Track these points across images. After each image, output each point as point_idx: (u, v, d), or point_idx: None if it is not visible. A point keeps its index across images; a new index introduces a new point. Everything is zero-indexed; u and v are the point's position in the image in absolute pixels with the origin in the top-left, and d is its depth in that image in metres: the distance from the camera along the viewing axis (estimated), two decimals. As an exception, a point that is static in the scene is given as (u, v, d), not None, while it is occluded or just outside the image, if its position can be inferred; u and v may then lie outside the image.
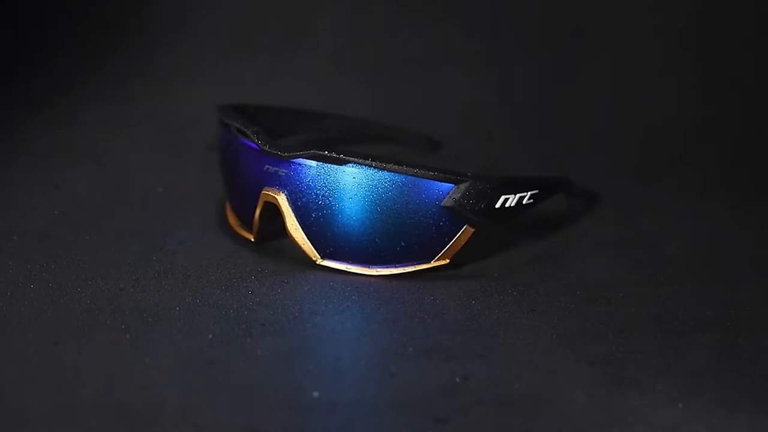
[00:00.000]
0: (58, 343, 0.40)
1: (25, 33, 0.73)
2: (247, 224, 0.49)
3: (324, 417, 0.36)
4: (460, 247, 0.46)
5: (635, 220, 0.58)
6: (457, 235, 0.46)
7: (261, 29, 0.75)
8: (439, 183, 0.45)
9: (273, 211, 0.47)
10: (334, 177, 0.45)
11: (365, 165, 0.45)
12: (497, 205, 0.46)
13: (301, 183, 0.46)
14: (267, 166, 0.47)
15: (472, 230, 0.46)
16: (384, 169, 0.45)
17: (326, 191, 0.46)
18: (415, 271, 0.47)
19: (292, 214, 0.46)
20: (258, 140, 0.47)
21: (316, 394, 0.38)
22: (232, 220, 0.52)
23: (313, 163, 0.45)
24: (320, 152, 0.45)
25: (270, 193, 0.47)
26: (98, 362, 0.39)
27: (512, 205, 0.47)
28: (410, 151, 0.65)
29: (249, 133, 0.47)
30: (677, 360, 0.41)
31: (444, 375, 0.39)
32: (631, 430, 0.36)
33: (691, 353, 0.42)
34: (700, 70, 0.73)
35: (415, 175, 0.45)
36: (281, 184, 0.46)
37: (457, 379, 0.39)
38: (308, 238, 0.47)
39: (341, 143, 0.62)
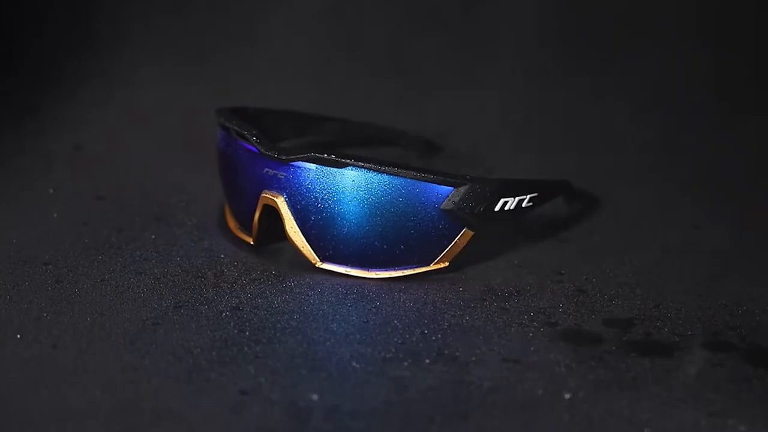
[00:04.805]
0: (57, 346, 0.40)
1: (20, 34, 0.73)
2: (247, 227, 0.49)
3: (323, 419, 0.36)
4: (459, 251, 0.46)
5: (635, 222, 0.58)
6: (456, 238, 0.46)
7: (260, 30, 0.75)
8: (439, 186, 0.45)
9: (272, 214, 0.47)
10: (334, 180, 0.45)
11: (364, 168, 0.45)
12: (496, 209, 0.46)
13: (300, 186, 0.46)
14: (266, 169, 0.47)
15: (471, 233, 0.46)
16: (383, 172, 0.45)
17: (325, 194, 0.46)
18: (414, 274, 0.47)
19: (292, 217, 0.46)
20: (257, 143, 0.47)
21: (315, 396, 0.38)
22: (232, 223, 0.52)
23: (313, 166, 0.45)
24: (319, 155, 0.45)
25: (269, 196, 0.47)
26: (97, 365, 0.39)
27: (511, 208, 0.47)
28: (410, 154, 0.65)
29: (248, 136, 0.47)
30: (679, 363, 0.41)
31: (443, 378, 0.39)
32: (630, 433, 0.37)
33: (691, 357, 0.42)
34: (701, 71, 0.73)
35: (414, 178, 0.45)
36: (280, 187, 0.46)
37: (457, 382, 0.39)
38: (307, 241, 0.47)
39: (340, 146, 0.62)
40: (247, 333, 0.42)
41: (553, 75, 0.74)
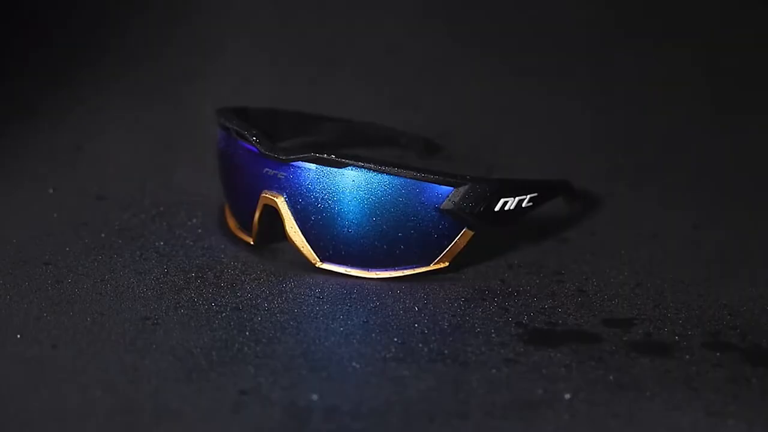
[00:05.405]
0: (57, 346, 0.40)
1: (21, 33, 0.73)
2: (247, 227, 0.49)
3: (323, 419, 0.36)
4: (459, 251, 0.46)
5: (635, 222, 0.58)
6: (457, 238, 0.46)
7: (260, 30, 0.75)
8: (438, 186, 0.45)
9: (272, 214, 0.47)
10: (333, 180, 0.45)
11: (364, 168, 0.45)
12: (496, 209, 0.46)
13: (300, 186, 0.46)
14: (266, 169, 0.47)
15: (471, 233, 0.46)
16: (383, 172, 0.45)
17: (325, 194, 0.46)
18: (414, 274, 0.47)
19: (292, 217, 0.46)
20: (257, 143, 0.47)
21: (315, 396, 0.38)
22: (232, 223, 0.52)
23: (313, 166, 0.46)
24: (319, 155, 0.45)
25: (269, 196, 0.47)
26: (97, 365, 0.39)
27: (511, 208, 0.47)
28: (410, 154, 0.65)
29: (248, 136, 0.47)
30: (679, 363, 0.41)
31: (443, 378, 0.39)
32: (630, 433, 0.37)
33: (692, 357, 0.42)
34: (699, 69, 0.73)
35: (414, 178, 0.45)
36: (280, 187, 0.46)
37: (457, 382, 0.39)
38: (307, 241, 0.47)
39: (340, 146, 0.62)
40: (247, 333, 0.42)
41: (553, 75, 0.74)
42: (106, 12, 0.75)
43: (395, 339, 0.42)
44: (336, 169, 0.45)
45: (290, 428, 0.36)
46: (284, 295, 0.45)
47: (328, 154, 0.45)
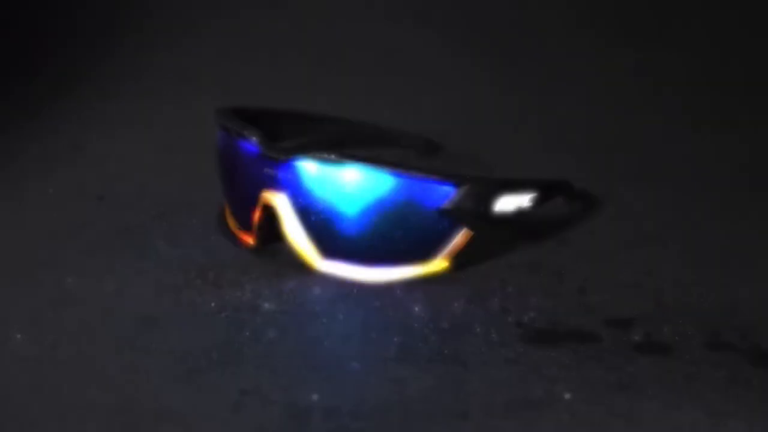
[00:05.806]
0: (57, 346, 0.40)
1: (22, 36, 0.73)
2: (247, 227, 0.49)
3: (323, 419, 0.36)
4: (459, 251, 0.46)
5: (635, 222, 0.58)
6: (456, 238, 0.46)
7: (260, 30, 0.75)
8: (439, 186, 0.45)
9: (272, 214, 0.47)
10: (334, 180, 0.45)
11: (365, 167, 0.45)
12: (496, 209, 0.46)
13: (300, 186, 0.46)
14: (266, 169, 0.47)
15: (471, 233, 0.46)
16: (383, 172, 0.45)
17: (326, 194, 0.46)
18: (414, 273, 0.47)
19: (292, 217, 0.47)
20: (257, 143, 0.47)
21: (315, 396, 0.38)
22: (232, 223, 0.52)
23: (313, 165, 0.46)
24: (320, 155, 0.45)
25: (269, 196, 0.47)
26: (97, 365, 0.39)
27: (511, 208, 0.47)
28: (410, 154, 0.65)
29: (248, 136, 0.47)
30: (679, 363, 0.41)
31: (443, 378, 0.39)
32: (630, 433, 0.37)
33: (692, 357, 0.42)
34: (696, 69, 0.73)
35: (414, 178, 0.45)
36: (281, 187, 0.46)
37: (457, 382, 0.39)
38: (308, 241, 0.47)
39: (341, 146, 0.62)
40: (247, 333, 0.42)
41: (554, 75, 0.74)
42: (106, 14, 0.75)
43: (395, 339, 0.42)
44: (336, 169, 0.45)
45: (290, 428, 0.36)
46: (284, 295, 0.45)
47: (329, 154, 0.45)
